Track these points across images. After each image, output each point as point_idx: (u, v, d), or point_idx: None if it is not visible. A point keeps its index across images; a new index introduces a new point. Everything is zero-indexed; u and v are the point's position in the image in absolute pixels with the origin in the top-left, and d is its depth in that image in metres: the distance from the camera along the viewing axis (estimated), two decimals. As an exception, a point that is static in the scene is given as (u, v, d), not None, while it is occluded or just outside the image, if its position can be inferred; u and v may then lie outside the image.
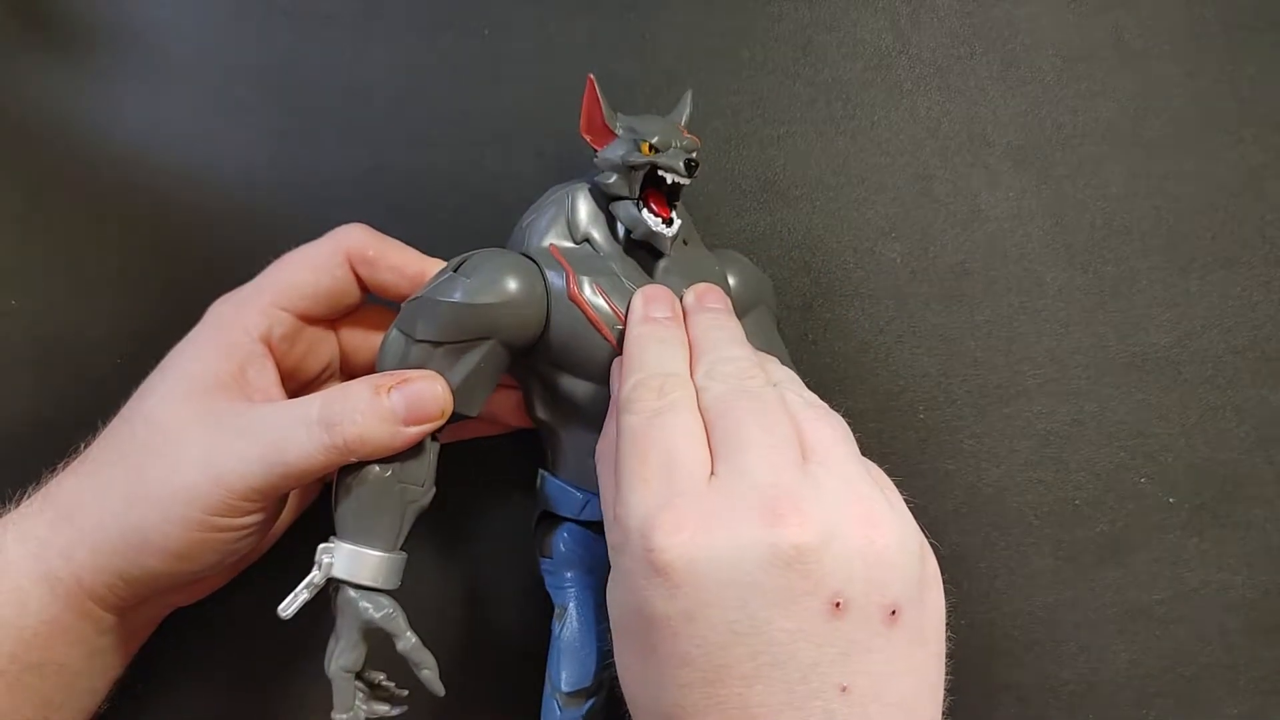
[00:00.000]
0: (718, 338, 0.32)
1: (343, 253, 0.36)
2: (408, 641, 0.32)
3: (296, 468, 0.31)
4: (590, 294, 0.33)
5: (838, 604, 0.25)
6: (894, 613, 0.26)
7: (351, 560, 0.32)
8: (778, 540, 0.25)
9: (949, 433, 0.43)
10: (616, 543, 0.28)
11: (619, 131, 0.34)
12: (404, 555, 0.33)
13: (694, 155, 0.33)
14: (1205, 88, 0.44)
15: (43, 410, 0.41)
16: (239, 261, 0.37)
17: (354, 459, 0.32)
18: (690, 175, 0.33)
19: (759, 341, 0.37)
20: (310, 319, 0.36)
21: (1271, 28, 0.45)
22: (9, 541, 0.32)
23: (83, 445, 0.35)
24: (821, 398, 0.33)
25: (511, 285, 0.32)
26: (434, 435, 0.34)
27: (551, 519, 0.37)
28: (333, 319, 0.38)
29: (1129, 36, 0.44)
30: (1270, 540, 0.44)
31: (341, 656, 0.32)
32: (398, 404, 0.32)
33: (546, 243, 0.34)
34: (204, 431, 0.32)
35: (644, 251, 0.35)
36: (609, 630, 0.35)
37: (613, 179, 0.34)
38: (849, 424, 0.41)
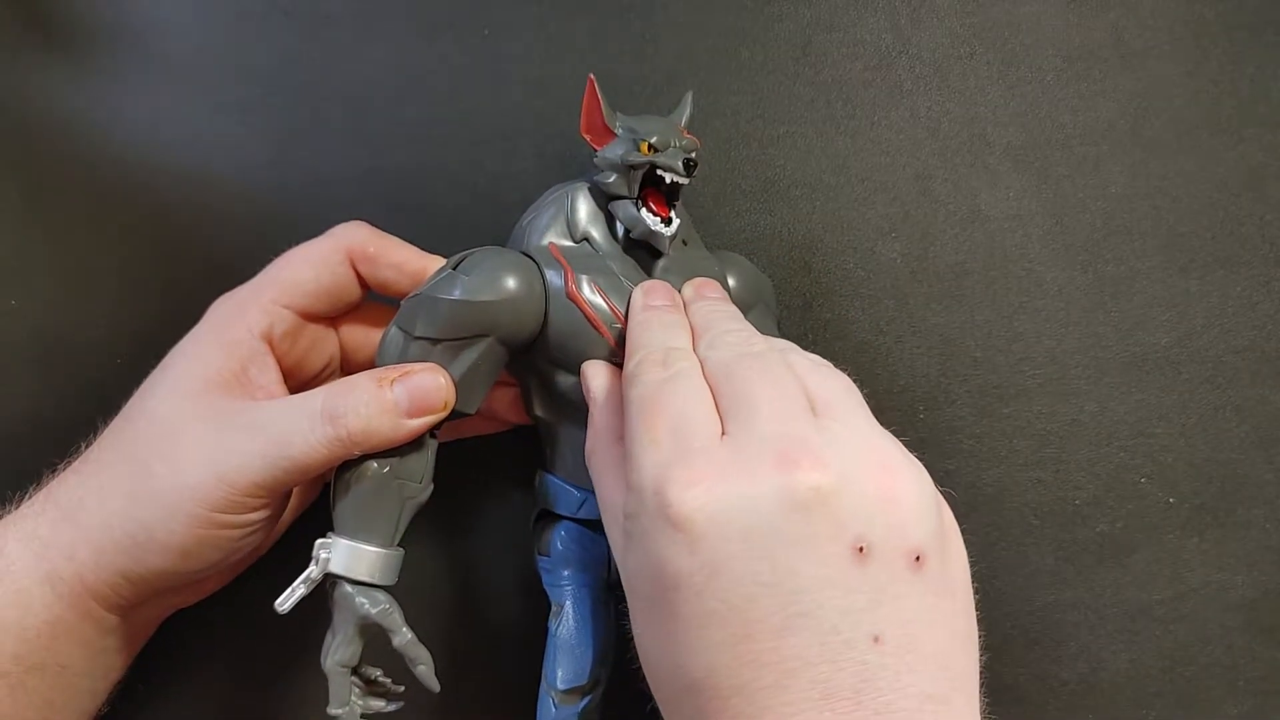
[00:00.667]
0: (718, 317, 0.33)
1: (343, 250, 0.36)
2: (403, 637, 0.32)
3: (300, 462, 0.31)
4: (588, 292, 0.33)
5: (861, 548, 0.25)
6: (918, 559, 0.25)
7: (349, 556, 0.32)
8: (795, 483, 0.25)
9: (949, 433, 0.43)
10: (631, 509, 0.28)
11: (618, 131, 0.35)
12: (401, 551, 0.33)
13: (693, 155, 0.34)
14: (1205, 88, 0.44)
15: (43, 410, 0.41)
16: (239, 261, 0.37)
17: (357, 452, 0.32)
18: (689, 175, 0.33)
19: None
20: (311, 316, 0.36)
21: (1271, 28, 0.45)
22: (10, 542, 0.32)
23: (83, 445, 0.35)
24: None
25: (510, 283, 0.32)
26: (433, 432, 0.34)
27: (549, 517, 0.37)
28: (333, 317, 0.38)
29: (1129, 36, 0.44)
30: (1270, 540, 0.44)
31: (338, 652, 0.32)
32: (400, 396, 0.32)
33: (546, 241, 0.35)
34: (207, 429, 0.32)
35: (643, 251, 0.35)
36: (606, 628, 0.35)
37: (612, 178, 0.34)
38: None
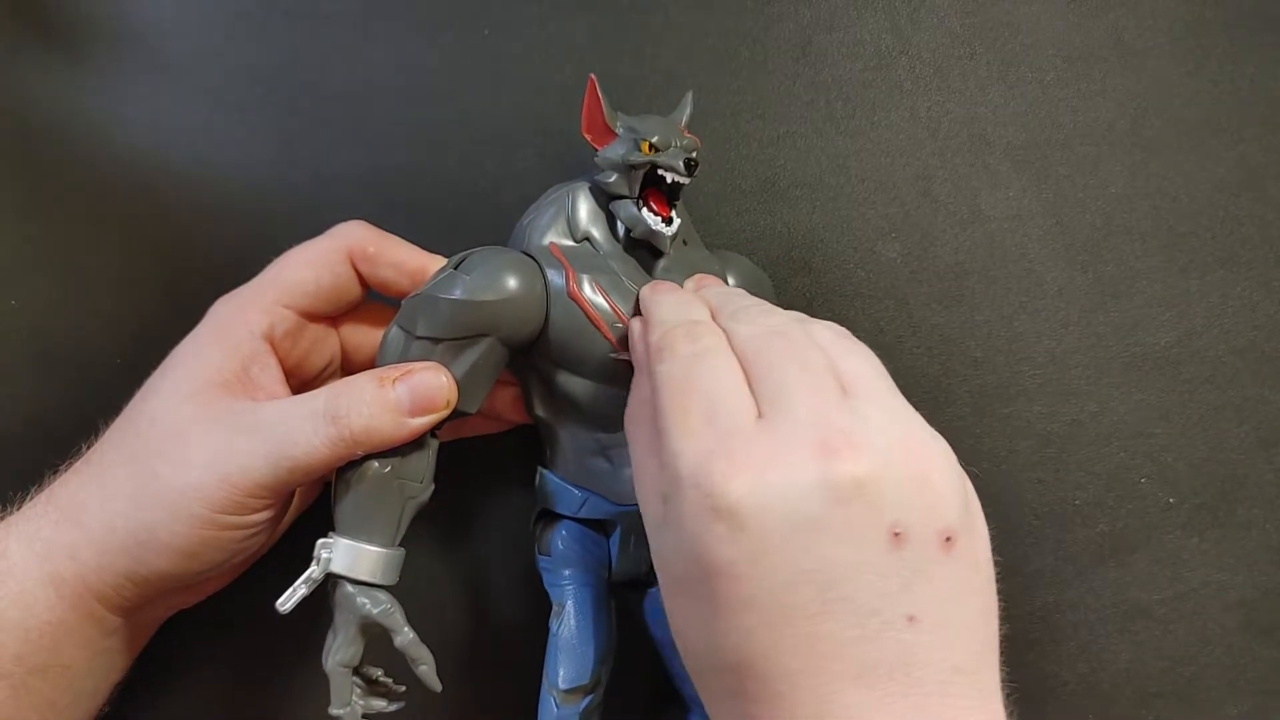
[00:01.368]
0: (731, 294, 0.33)
1: (344, 249, 0.36)
2: (405, 637, 0.32)
3: (303, 463, 0.31)
4: (589, 292, 0.33)
5: (897, 534, 0.25)
6: (949, 539, 0.26)
7: (350, 555, 0.32)
8: (836, 474, 0.25)
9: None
10: (667, 492, 0.28)
11: (619, 131, 0.35)
12: (402, 551, 0.33)
13: (694, 155, 0.34)
14: (1205, 88, 0.44)
15: (43, 410, 0.41)
16: (239, 261, 0.37)
17: (360, 452, 0.32)
18: (690, 174, 0.33)
19: None
20: (312, 316, 0.36)
21: (1271, 28, 0.45)
22: (13, 543, 0.32)
23: (84, 446, 0.35)
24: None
25: (511, 283, 0.32)
26: (434, 432, 0.34)
27: (550, 517, 0.37)
28: (334, 316, 0.38)
29: (1129, 36, 0.44)
30: (1270, 540, 0.44)
31: (339, 652, 0.32)
32: (403, 395, 0.32)
33: (546, 241, 0.35)
34: (209, 430, 0.32)
35: (644, 250, 0.35)
36: (607, 628, 0.35)
37: (613, 178, 0.34)
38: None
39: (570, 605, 0.35)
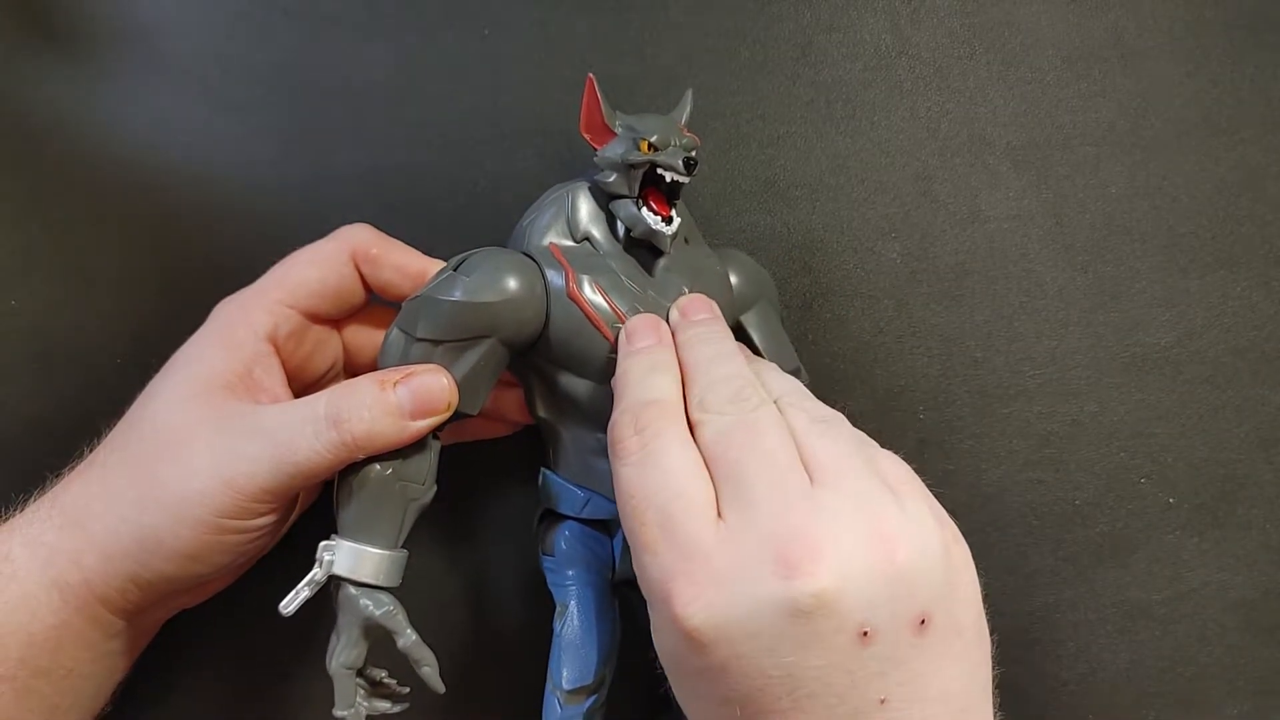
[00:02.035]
0: (707, 355, 0.32)
1: (348, 250, 0.36)
2: (408, 639, 0.32)
3: (306, 468, 0.31)
4: (589, 292, 0.33)
5: (865, 633, 0.26)
6: (923, 622, 0.26)
7: (352, 558, 0.32)
8: (796, 593, 0.25)
9: (949, 433, 0.43)
10: (645, 595, 0.29)
11: (618, 130, 0.35)
12: (405, 553, 0.33)
13: (693, 153, 0.33)
14: (1205, 88, 0.44)
15: (43, 410, 0.41)
16: (239, 261, 0.37)
17: (362, 455, 0.32)
18: (689, 173, 0.33)
19: (763, 336, 0.37)
20: (316, 317, 0.36)
21: (1271, 28, 0.45)
22: (16, 547, 0.32)
23: (85, 448, 0.35)
24: (821, 398, 0.33)
25: (511, 283, 0.32)
26: (435, 434, 0.34)
27: (553, 517, 0.37)
28: (337, 318, 0.38)
29: (1129, 36, 0.44)
30: (1270, 540, 0.44)
31: (342, 654, 0.32)
32: (404, 398, 0.32)
33: (546, 242, 0.34)
34: (213, 434, 0.32)
35: (644, 250, 0.35)
36: (610, 628, 0.35)
37: (612, 178, 0.34)
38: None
39: (573, 605, 0.35)
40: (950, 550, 0.28)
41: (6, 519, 0.33)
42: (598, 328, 0.33)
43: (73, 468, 0.34)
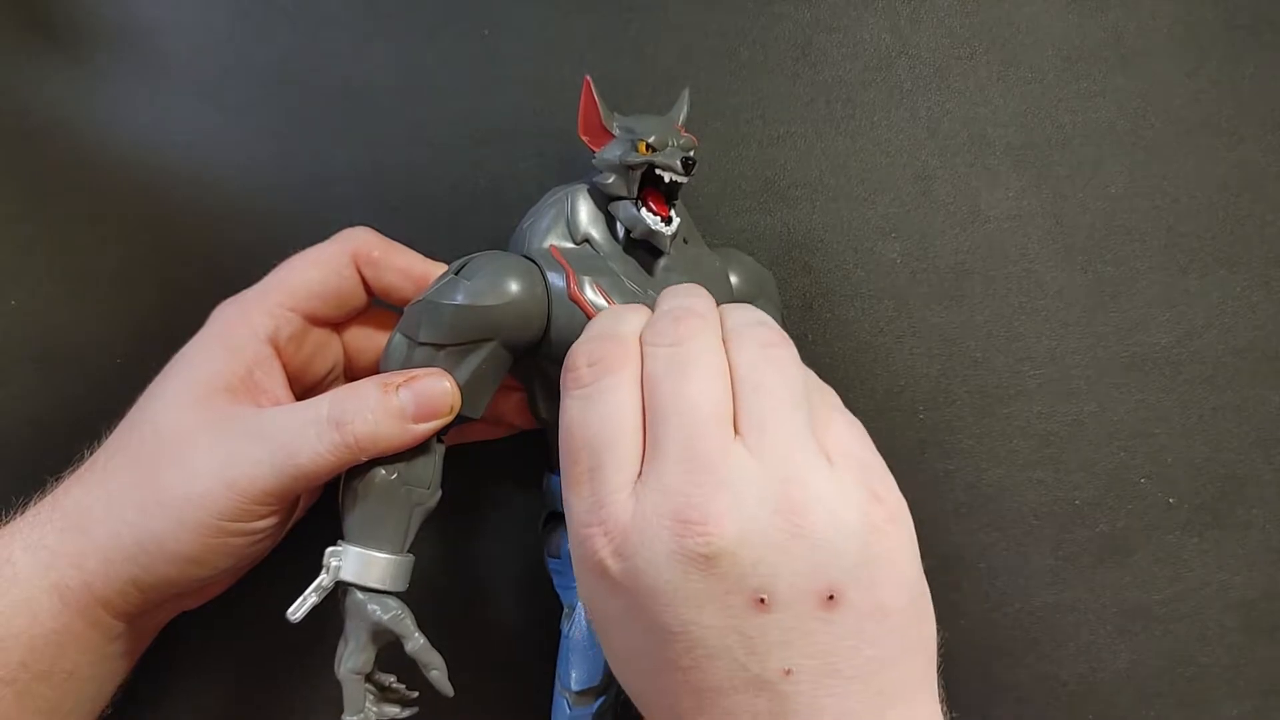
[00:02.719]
0: (671, 294, 0.32)
1: (349, 253, 0.36)
2: (416, 642, 0.32)
3: (308, 469, 0.31)
4: (591, 293, 0.33)
5: (761, 599, 0.26)
6: (831, 597, 0.26)
7: (359, 563, 0.32)
8: (688, 550, 0.26)
9: (949, 433, 0.43)
10: (569, 533, 0.29)
11: (616, 132, 0.35)
12: (411, 557, 0.33)
13: (691, 154, 0.34)
14: (1205, 88, 0.44)
15: (43, 410, 0.41)
16: (239, 261, 0.37)
17: (364, 458, 0.32)
18: (688, 173, 0.33)
19: None
20: (317, 320, 0.36)
21: (1271, 28, 0.45)
22: (17, 550, 0.32)
23: (85, 450, 0.35)
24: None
25: (512, 286, 0.32)
26: (439, 437, 0.34)
27: (558, 519, 0.37)
28: (338, 321, 0.38)
29: (1129, 36, 0.44)
30: (1270, 540, 0.44)
31: (351, 659, 0.32)
32: (407, 401, 0.32)
33: (547, 244, 0.35)
34: (215, 437, 0.32)
35: (644, 251, 0.35)
36: None
37: (611, 179, 0.34)
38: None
39: (580, 607, 0.35)
40: (877, 527, 0.27)
41: (7, 522, 0.33)
42: None
43: (73, 470, 0.34)
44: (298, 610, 0.32)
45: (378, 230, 0.37)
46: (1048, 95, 0.44)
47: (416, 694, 0.34)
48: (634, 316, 0.31)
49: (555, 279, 0.33)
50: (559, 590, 0.37)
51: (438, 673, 0.32)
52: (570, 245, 0.35)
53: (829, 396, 0.31)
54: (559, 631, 0.36)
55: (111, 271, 0.42)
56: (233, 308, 0.35)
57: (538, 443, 0.38)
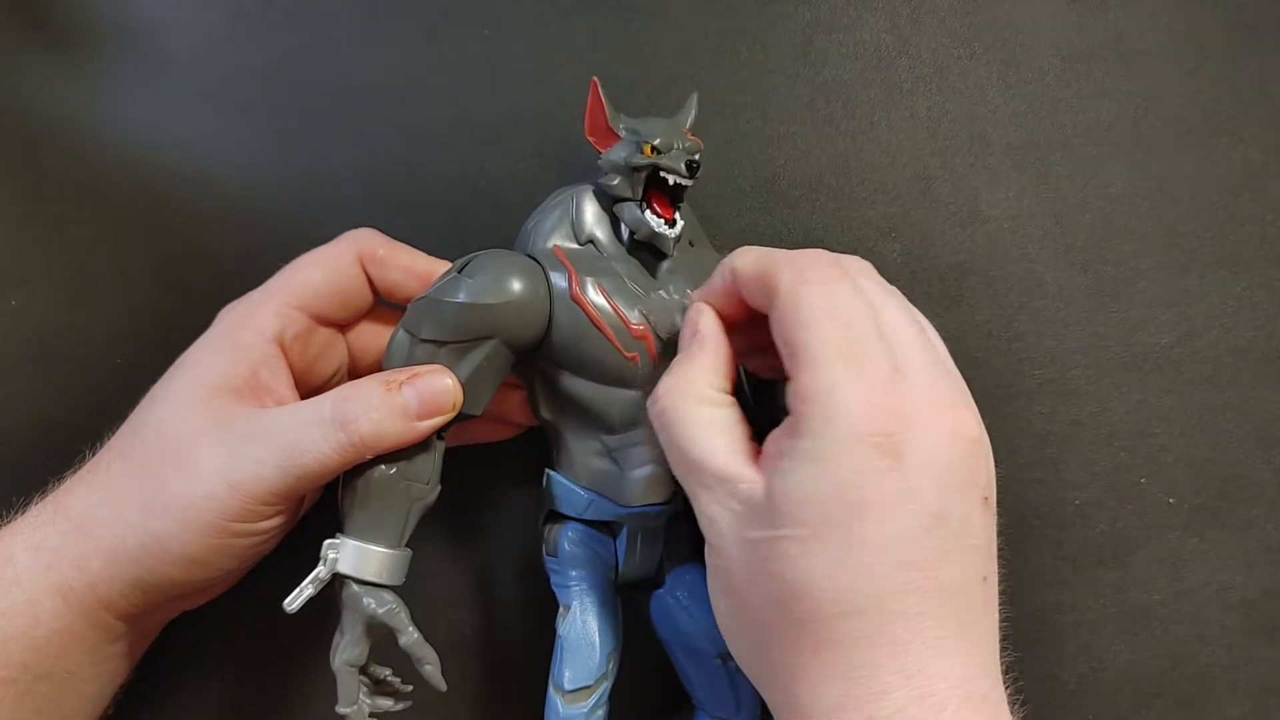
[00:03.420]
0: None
1: (354, 253, 0.36)
2: (410, 636, 0.32)
3: (313, 468, 0.31)
4: (593, 294, 0.33)
5: (986, 497, 0.29)
6: (986, 499, 0.29)
7: (356, 556, 0.32)
8: (968, 433, 0.29)
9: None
10: (814, 430, 0.28)
11: (622, 134, 0.35)
12: (409, 552, 0.33)
13: (696, 157, 0.34)
14: (1205, 88, 0.44)
15: (43, 410, 0.41)
16: (239, 261, 0.37)
17: (369, 455, 0.32)
18: (692, 176, 0.34)
19: None
20: (322, 320, 0.36)
21: (1271, 28, 0.45)
22: (19, 552, 0.32)
23: (87, 450, 0.35)
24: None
25: (514, 285, 0.32)
26: (440, 434, 0.34)
27: (558, 518, 0.37)
28: (343, 322, 0.38)
29: (1129, 36, 0.44)
30: (1270, 540, 0.44)
31: (346, 651, 0.32)
32: (410, 399, 0.32)
33: (551, 244, 0.35)
34: (218, 439, 0.32)
35: (648, 253, 0.35)
36: (613, 629, 0.35)
37: (616, 181, 0.34)
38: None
39: (576, 606, 0.35)
40: None
41: (7, 522, 0.33)
42: (601, 330, 0.33)
43: (74, 471, 0.34)
44: (294, 601, 0.32)
45: (378, 230, 0.37)
46: (1048, 95, 0.44)
47: (410, 688, 0.34)
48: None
49: (558, 279, 0.33)
50: (555, 589, 0.37)
51: (431, 667, 0.33)
52: (574, 246, 0.35)
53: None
54: (554, 630, 0.36)
55: (111, 271, 0.42)
56: (239, 309, 0.35)
57: (538, 442, 0.38)
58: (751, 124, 0.43)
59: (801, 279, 0.30)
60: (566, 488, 0.36)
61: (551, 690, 0.35)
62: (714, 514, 0.29)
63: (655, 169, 0.34)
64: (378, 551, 0.32)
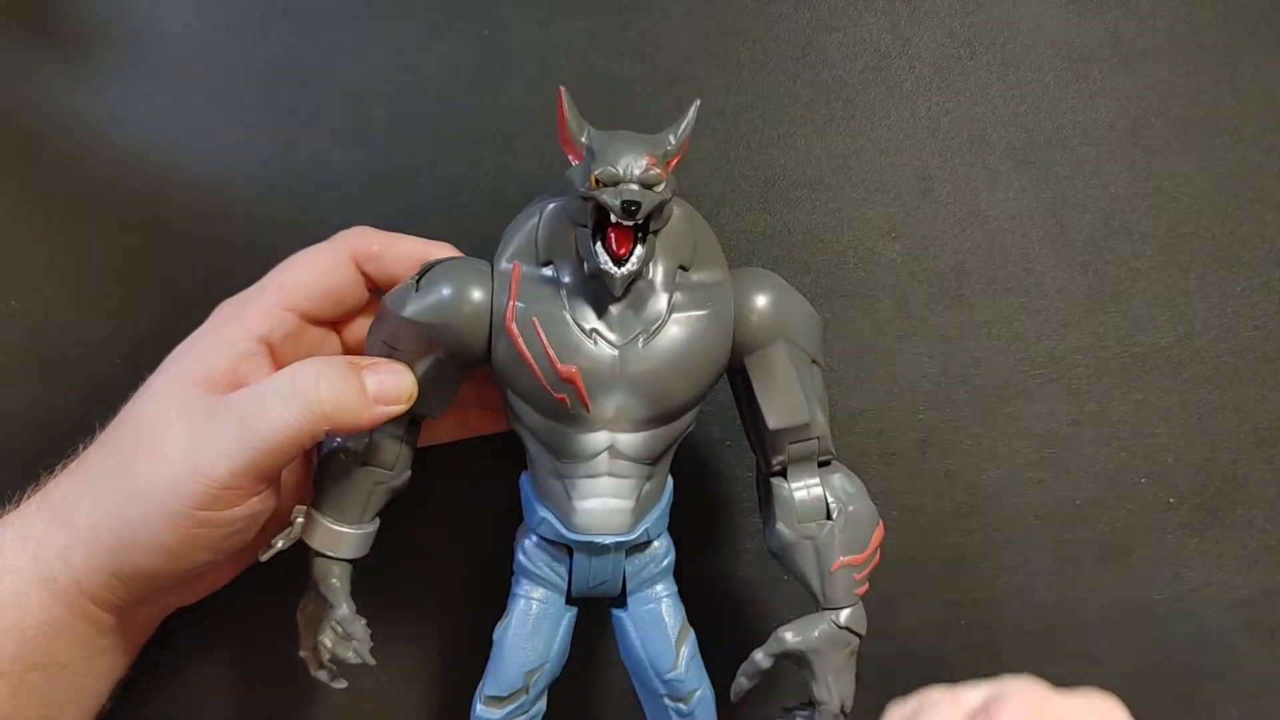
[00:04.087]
0: None
1: (347, 252, 0.36)
2: (339, 611, 0.34)
3: (274, 440, 0.31)
4: (526, 328, 0.32)
5: None
6: None
7: (314, 527, 0.34)
8: None
9: (949, 433, 0.43)
10: None
11: (583, 151, 0.32)
12: (369, 530, 0.35)
13: (637, 198, 0.29)
14: (1205, 88, 0.44)
15: (42, 410, 0.41)
16: (239, 261, 0.37)
17: (327, 426, 0.32)
18: (630, 218, 0.30)
19: (763, 383, 0.34)
20: (314, 319, 0.36)
21: (1271, 28, 0.45)
22: (7, 543, 0.32)
23: (81, 446, 0.35)
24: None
25: (454, 307, 0.32)
26: (407, 429, 0.35)
27: (523, 525, 0.36)
28: (336, 320, 0.38)
29: (1129, 37, 0.44)
30: (1270, 540, 0.44)
31: (304, 606, 0.36)
32: (370, 381, 0.33)
33: (511, 261, 0.33)
34: (186, 424, 0.32)
35: (604, 289, 0.32)
36: (544, 644, 0.35)
37: (575, 204, 0.31)
38: (848, 426, 0.42)
39: (514, 616, 0.35)
40: None
41: (1, 515, 0.34)
42: (528, 365, 0.32)
43: (65, 464, 0.35)
44: (265, 554, 0.34)
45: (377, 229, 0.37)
46: (1048, 95, 0.44)
47: (362, 661, 0.35)
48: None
49: (501, 303, 0.32)
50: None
51: (358, 644, 0.34)
52: (532, 267, 0.33)
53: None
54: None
55: (111, 271, 0.42)
56: (230, 307, 0.35)
57: (511, 443, 0.38)
58: (751, 124, 0.43)
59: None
60: (528, 498, 0.35)
61: (477, 692, 0.35)
62: None
63: (596, 202, 0.30)
64: (331, 527, 0.34)
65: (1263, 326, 0.44)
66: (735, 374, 0.35)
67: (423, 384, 0.34)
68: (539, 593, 0.35)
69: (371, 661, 0.34)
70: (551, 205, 0.33)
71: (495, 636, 0.35)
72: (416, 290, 0.33)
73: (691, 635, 0.36)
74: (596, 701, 0.43)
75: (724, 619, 0.43)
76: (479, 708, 0.34)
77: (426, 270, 0.33)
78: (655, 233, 0.32)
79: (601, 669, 0.42)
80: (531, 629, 0.35)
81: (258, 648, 0.42)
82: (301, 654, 0.36)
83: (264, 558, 0.34)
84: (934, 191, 0.44)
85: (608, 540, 0.33)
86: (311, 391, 0.31)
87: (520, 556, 0.35)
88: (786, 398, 0.34)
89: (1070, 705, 0.32)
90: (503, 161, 0.42)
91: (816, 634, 0.34)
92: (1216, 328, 0.44)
